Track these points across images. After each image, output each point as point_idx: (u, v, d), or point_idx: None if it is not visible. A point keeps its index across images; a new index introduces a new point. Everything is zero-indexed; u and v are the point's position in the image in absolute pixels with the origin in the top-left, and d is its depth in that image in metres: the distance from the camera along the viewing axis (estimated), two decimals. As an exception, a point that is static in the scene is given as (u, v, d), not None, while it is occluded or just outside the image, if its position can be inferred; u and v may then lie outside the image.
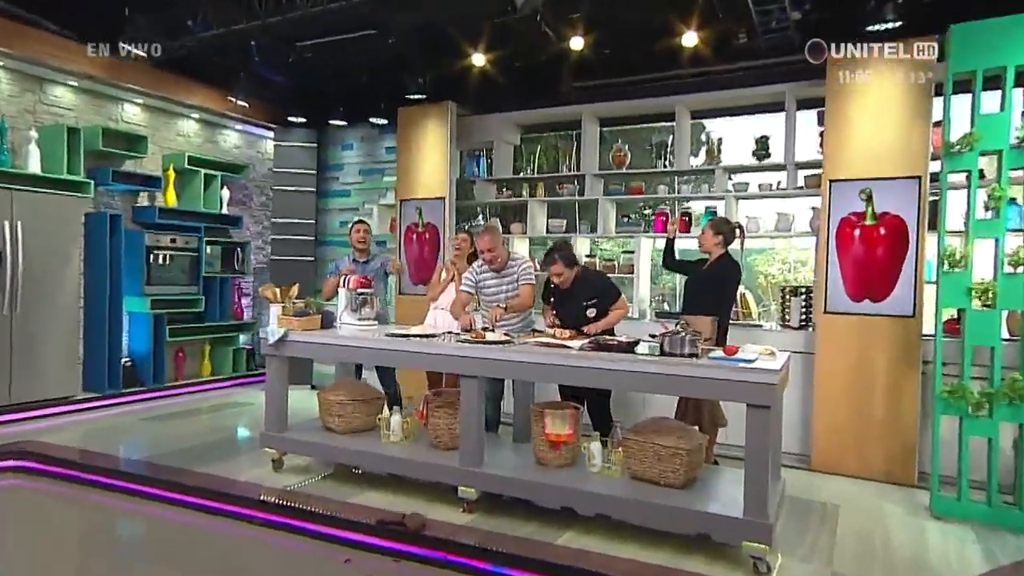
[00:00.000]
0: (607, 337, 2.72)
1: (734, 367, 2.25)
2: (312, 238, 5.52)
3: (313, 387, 5.44)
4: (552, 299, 3.15)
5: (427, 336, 2.92)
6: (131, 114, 4.96)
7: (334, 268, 3.92)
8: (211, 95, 5.05)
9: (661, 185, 4.41)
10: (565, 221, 4.76)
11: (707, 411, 3.11)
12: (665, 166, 4.38)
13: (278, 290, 3.32)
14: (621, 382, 2.42)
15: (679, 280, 4.74)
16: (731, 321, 3.42)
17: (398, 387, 3.78)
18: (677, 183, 4.45)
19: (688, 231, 4.21)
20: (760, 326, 3.79)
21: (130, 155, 4.74)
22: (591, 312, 3.03)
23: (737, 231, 3.26)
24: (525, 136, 5.09)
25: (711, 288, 3.12)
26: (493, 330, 3.10)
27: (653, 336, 2.61)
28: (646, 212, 5.18)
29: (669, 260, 3.42)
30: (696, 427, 2.92)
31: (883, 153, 3.33)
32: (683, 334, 2.45)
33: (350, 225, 3.88)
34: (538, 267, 4.02)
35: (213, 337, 5.35)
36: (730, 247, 3.23)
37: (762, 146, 4.01)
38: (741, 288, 4.03)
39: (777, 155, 3.98)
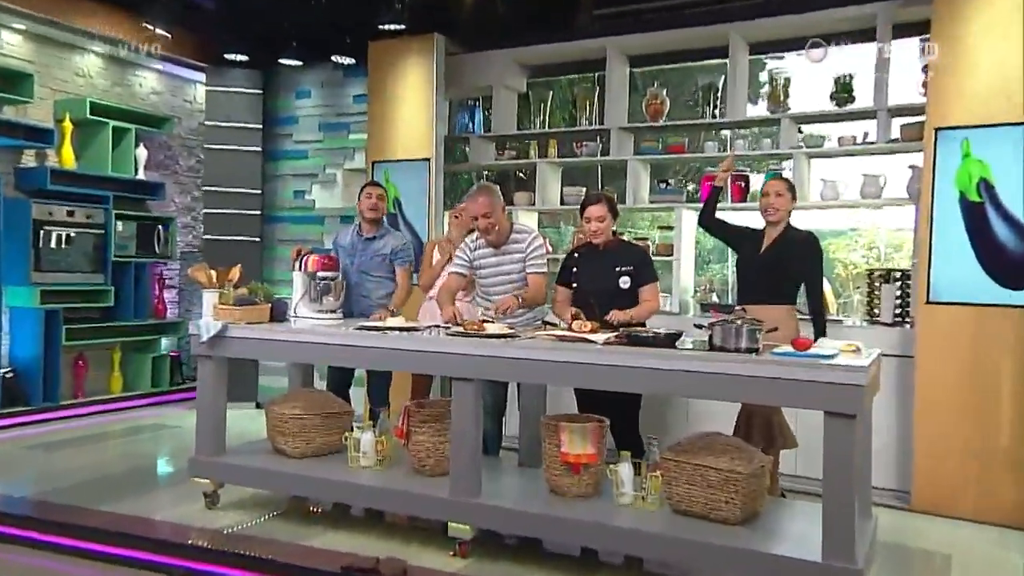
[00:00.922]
0: (640, 328, 2.71)
1: (807, 364, 2.24)
2: (258, 212, 5.53)
3: (259, 405, 5.46)
4: (573, 273, 3.13)
5: (407, 329, 2.92)
6: (10, 44, 4.81)
7: (335, 235, 3.88)
8: (120, 21, 4.87)
9: (709, 142, 4.48)
10: (584, 189, 4.76)
11: (773, 427, 3.10)
12: (714, 116, 4.40)
13: (213, 273, 3.32)
14: (658, 384, 2.41)
15: (731, 264, 4.75)
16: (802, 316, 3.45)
17: (388, 406, 3.70)
18: (730, 139, 4.48)
19: (743, 200, 4.22)
20: (840, 322, 3.78)
21: (9, 99, 4.62)
22: (624, 282, 3.06)
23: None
24: (533, 80, 5.10)
25: (799, 266, 3.06)
26: (493, 321, 3.10)
27: (700, 327, 2.61)
28: (688, 178, 5.22)
29: (709, 219, 3.33)
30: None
31: (1017, 90, 3.23)
32: (739, 322, 2.44)
33: (360, 189, 3.81)
34: (550, 247, 4.01)
35: (126, 341, 5.34)
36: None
37: (844, 88, 4.01)
38: None
39: (864, 99, 3.99)
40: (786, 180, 3.24)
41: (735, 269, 3.33)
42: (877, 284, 3.79)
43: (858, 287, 4.06)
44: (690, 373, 2.35)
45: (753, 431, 3.08)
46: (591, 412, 2.92)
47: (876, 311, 3.76)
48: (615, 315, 2.91)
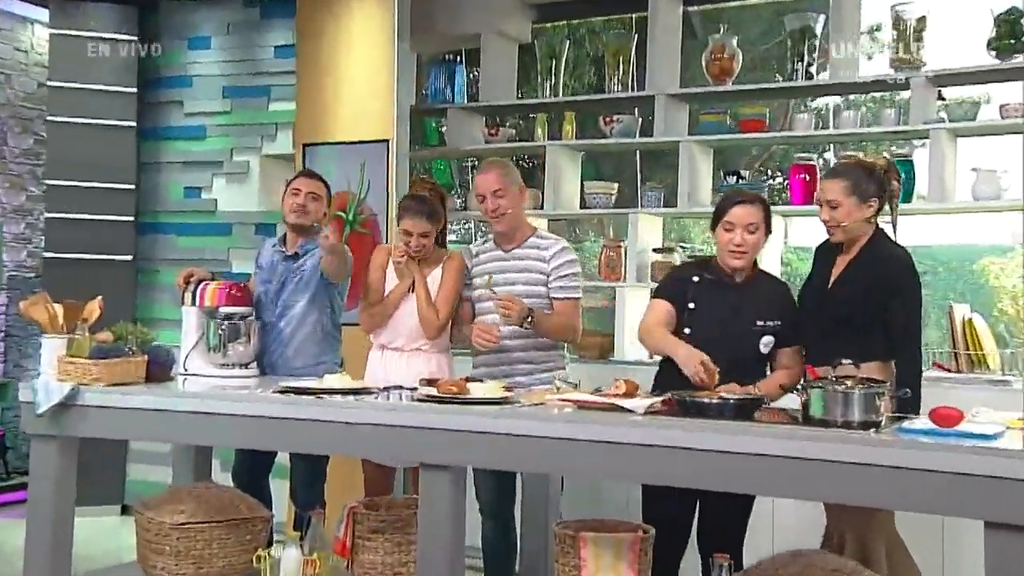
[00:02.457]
0: (696, 393, 2.74)
1: (958, 448, 2.25)
2: (130, 219, 5.57)
3: (126, 510, 5.39)
4: (690, 312, 3.06)
5: (353, 392, 2.94)
6: None
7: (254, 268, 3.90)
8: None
9: (801, 114, 4.48)
10: (616, 185, 4.82)
11: (881, 543, 3.05)
12: (808, 76, 4.46)
13: (58, 309, 3.34)
14: (727, 476, 2.41)
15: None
16: (931, 370, 3.42)
17: (324, 507, 3.69)
18: (833, 110, 4.56)
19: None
20: (1005, 382, 3.83)
21: None
22: (765, 343, 3.04)
23: (890, 179, 3.07)
24: (541, 25, 5.17)
25: (879, 303, 3.00)
26: (483, 382, 3.12)
27: (788, 388, 2.64)
28: (769, 168, 5.26)
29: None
30: None
31: None
32: (848, 382, 2.46)
33: (285, 184, 3.85)
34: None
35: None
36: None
37: (1009, 29, 4.06)
38: (966, 311, 4.09)
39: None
40: (846, 171, 3.07)
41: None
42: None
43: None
44: (775, 460, 2.35)
45: (849, 547, 3.01)
46: (659, 521, 2.90)
47: (1058, 366, 3.81)
48: (762, 386, 2.84)
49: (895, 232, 3.17)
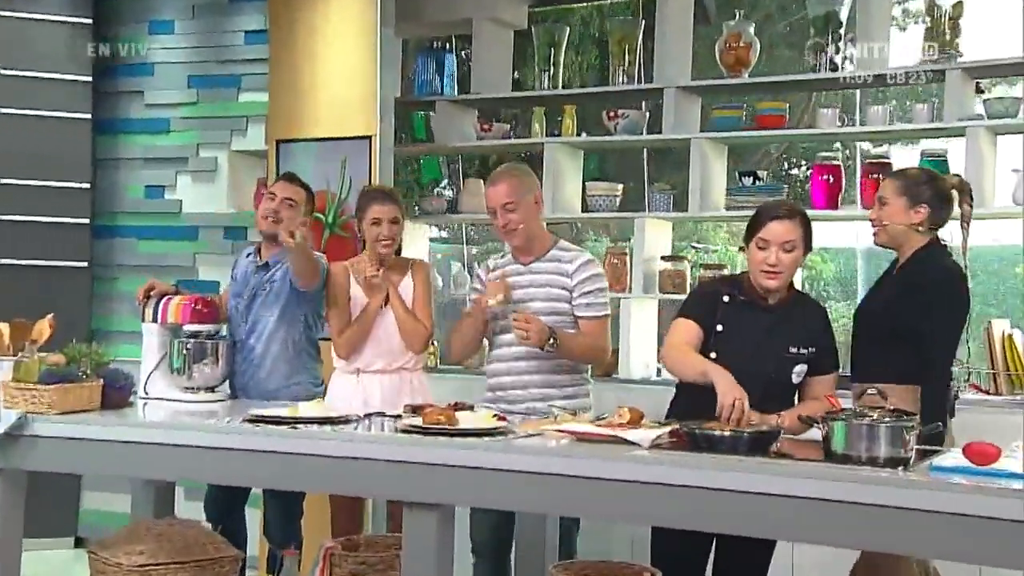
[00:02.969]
0: (707, 425, 2.74)
1: (991, 489, 2.26)
2: (85, 221, 5.56)
3: (80, 542, 5.39)
4: (717, 334, 3.06)
5: (332, 421, 2.95)
6: None
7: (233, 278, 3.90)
8: None
9: (825, 109, 4.49)
10: (622, 186, 4.83)
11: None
12: (832, 68, 4.48)
13: (3, 327, 3.37)
14: (741, 518, 2.43)
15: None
16: (963, 392, 3.47)
17: (301, 544, 3.75)
18: (860, 104, 4.56)
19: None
20: None
21: None
22: (798, 372, 3.04)
23: (958, 197, 3.19)
24: (539, 10, 5.20)
25: (907, 319, 3.05)
26: (471, 408, 3.13)
27: (810, 423, 2.64)
28: (789, 167, 5.28)
29: None
30: None
31: None
32: (873, 415, 2.47)
33: (259, 185, 3.94)
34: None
35: None
36: (944, 234, 3.19)
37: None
38: (1006, 327, 4.10)
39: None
40: (902, 180, 3.17)
41: None
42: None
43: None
44: (792, 500, 2.36)
45: None
46: (669, 560, 2.93)
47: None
48: (786, 418, 2.83)
49: (964, 257, 3.22)
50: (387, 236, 3.57)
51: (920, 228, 3.11)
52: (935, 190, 3.13)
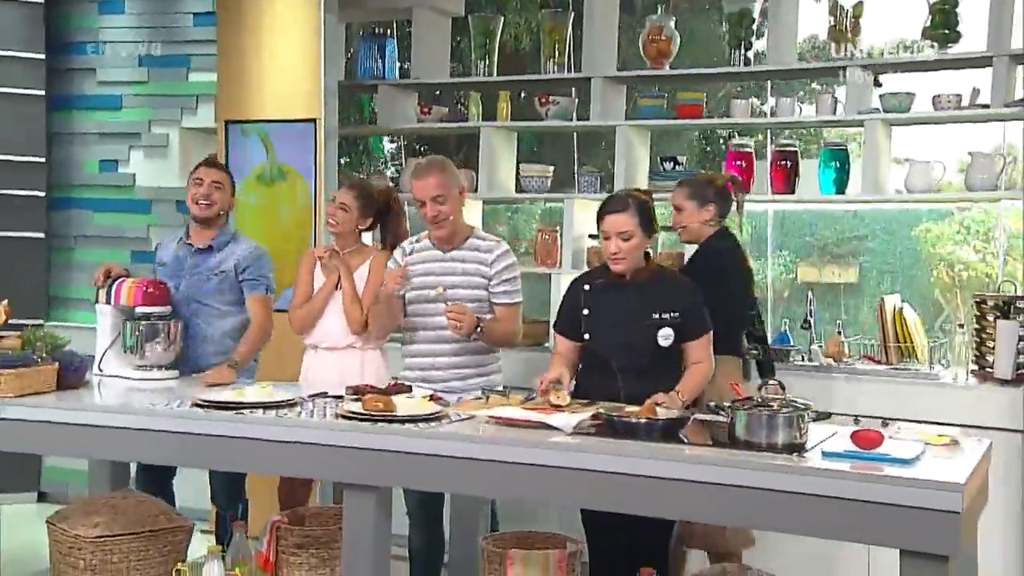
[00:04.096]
0: (624, 409, 2.78)
1: (875, 472, 2.32)
2: (41, 194, 5.45)
3: (43, 497, 5.36)
4: (584, 318, 3.14)
5: (275, 406, 2.93)
6: None
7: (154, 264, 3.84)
8: None
9: (738, 100, 4.51)
10: (552, 168, 4.83)
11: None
12: (745, 62, 4.49)
13: (-38, 311, 3.28)
14: (651, 501, 2.47)
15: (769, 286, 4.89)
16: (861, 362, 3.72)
17: (246, 504, 3.79)
18: (771, 95, 4.60)
19: (790, 191, 4.37)
20: (935, 376, 3.92)
21: None
22: (664, 336, 3.08)
23: (734, 192, 3.63)
24: (475, 1, 5.22)
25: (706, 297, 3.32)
26: (409, 389, 3.15)
27: (714, 407, 2.68)
28: (706, 153, 5.32)
29: None
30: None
31: None
32: (774, 407, 2.53)
33: (191, 171, 3.81)
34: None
35: None
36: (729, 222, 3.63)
37: (944, 16, 4.12)
38: (898, 301, 4.20)
39: (974, 39, 4.11)
40: (691, 185, 3.60)
41: None
42: (990, 319, 3.92)
43: (961, 325, 4.19)
44: (698, 485, 2.41)
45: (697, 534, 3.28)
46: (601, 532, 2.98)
47: (986, 360, 3.90)
48: (658, 399, 2.83)
49: (741, 232, 3.83)
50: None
51: (711, 223, 3.53)
52: (716, 189, 3.56)
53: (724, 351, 3.28)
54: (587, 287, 3.20)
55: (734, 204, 3.63)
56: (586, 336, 3.15)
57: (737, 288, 3.54)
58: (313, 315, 3.65)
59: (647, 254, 3.19)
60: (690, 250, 3.82)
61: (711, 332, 3.16)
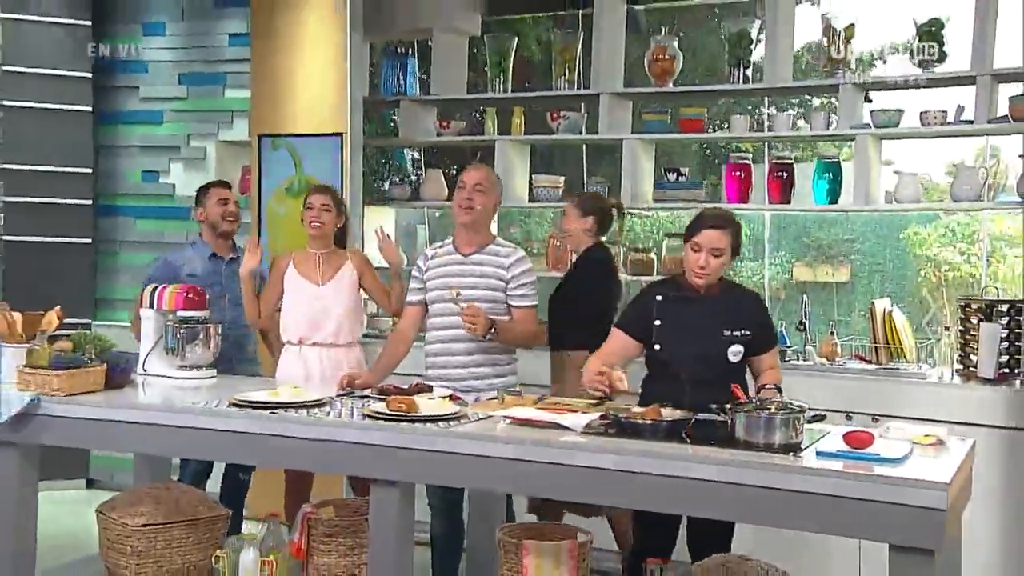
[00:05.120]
0: (631, 409, 2.79)
1: (866, 472, 2.33)
2: (88, 202, 5.50)
3: (91, 483, 5.41)
4: (656, 329, 3.06)
5: (307, 406, 2.95)
6: None
7: (157, 268, 3.93)
8: None
9: (737, 115, 4.54)
10: (563, 179, 4.84)
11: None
12: (744, 79, 4.49)
13: (16, 318, 3.32)
14: (655, 497, 2.48)
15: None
16: (852, 361, 3.76)
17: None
18: (768, 110, 4.59)
19: (786, 200, 4.36)
20: (923, 376, 3.91)
21: None
22: (734, 353, 3.02)
23: (615, 211, 3.93)
24: (491, 20, 5.14)
25: (574, 299, 3.74)
26: (430, 389, 3.17)
27: (718, 407, 2.69)
28: (708, 165, 5.31)
29: None
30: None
31: None
32: (771, 408, 2.54)
33: (202, 189, 4.03)
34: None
35: None
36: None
37: (930, 37, 4.12)
38: (888, 304, 4.20)
39: (959, 58, 4.09)
40: (582, 200, 3.86)
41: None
42: (973, 322, 3.91)
43: (947, 327, 4.18)
44: (699, 483, 2.42)
45: None
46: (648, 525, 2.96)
47: (971, 360, 3.89)
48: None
49: (619, 247, 4.28)
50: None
51: (590, 232, 3.76)
52: (600, 205, 3.84)
53: (586, 346, 3.33)
54: (659, 297, 3.09)
55: (615, 226, 3.99)
56: (656, 346, 3.06)
57: (606, 290, 3.77)
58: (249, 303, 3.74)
59: None
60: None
61: (777, 350, 3.16)
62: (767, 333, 3.11)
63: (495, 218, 3.74)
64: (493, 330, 3.23)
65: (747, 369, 3.09)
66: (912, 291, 6.47)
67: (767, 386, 2.70)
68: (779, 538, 3.21)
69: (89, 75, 5.46)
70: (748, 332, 3.04)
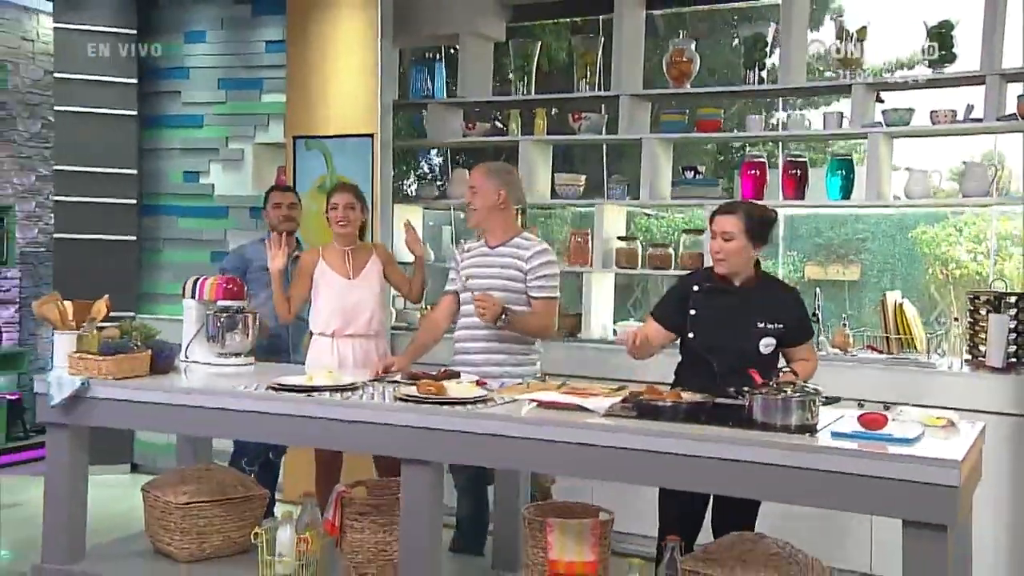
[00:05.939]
0: (651, 394, 2.78)
1: (880, 451, 2.32)
2: (133, 201, 5.55)
3: (136, 467, 5.47)
4: (691, 318, 3.05)
5: (342, 389, 2.97)
6: None
7: (230, 260, 4.13)
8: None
9: (752, 115, 4.50)
10: (584, 177, 4.83)
11: None
12: (759, 80, 4.47)
13: (68, 305, 3.33)
14: (677, 475, 2.48)
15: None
16: (864, 351, 3.68)
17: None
18: (783, 111, 4.56)
19: (800, 197, 4.34)
20: (933, 365, 3.89)
21: None
22: (766, 345, 3.00)
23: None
24: (515, 26, 5.13)
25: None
26: (458, 375, 3.17)
27: (733, 392, 2.67)
28: (724, 164, 5.29)
29: None
30: None
31: None
32: (787, 392, 2.52)
33: (265, 194, 4.25)
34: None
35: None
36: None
37: (940, 39, 4.10)
38: (899, 297, 4.16)
39: (968, 58, 4.06)
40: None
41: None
42: (982, 313, 3.88)
43: (956, 318, 4.14)
44: (718, 462, 2.41)
45: None
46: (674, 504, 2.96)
47: (980, 350, 3.86)
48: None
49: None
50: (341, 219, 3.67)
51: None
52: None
53: None
54: (696, 288, 3.08)
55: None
56: (691, 335, 3.06)
57: None
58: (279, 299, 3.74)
59: (757, 262, 3.10)
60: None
61: (813, 337, 3.14)
62: (802, 327, 3.09)
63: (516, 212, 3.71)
64: (504, 317, 3.22)
65: (778, 362, 3.05)
66: (921, 288, 6.41)
67: (784, 369, 2.68)
68: (791, 514, 3.17)
69: (135, 81, 5.52)
70: (781, 325, 3.01)
